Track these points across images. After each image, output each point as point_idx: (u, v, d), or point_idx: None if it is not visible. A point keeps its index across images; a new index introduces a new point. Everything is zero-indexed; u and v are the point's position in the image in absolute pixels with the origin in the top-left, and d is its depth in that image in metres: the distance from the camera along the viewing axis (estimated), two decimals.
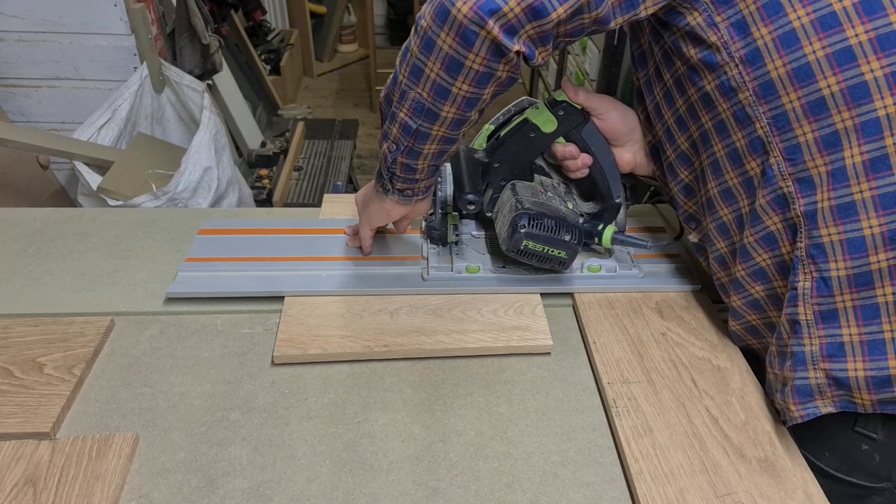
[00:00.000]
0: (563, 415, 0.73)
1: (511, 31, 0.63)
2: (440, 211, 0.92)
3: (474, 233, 0.96)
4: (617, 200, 0.89)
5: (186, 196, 1.65)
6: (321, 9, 3.86)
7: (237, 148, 2.43)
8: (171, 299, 0.85)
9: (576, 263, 0.89)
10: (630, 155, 0.88)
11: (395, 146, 0.74)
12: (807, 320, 0.67)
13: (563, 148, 0.86)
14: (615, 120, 0.85)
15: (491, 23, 0.62)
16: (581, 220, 0.88)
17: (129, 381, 0.75)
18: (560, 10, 0.62)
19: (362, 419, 0.71)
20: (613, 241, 0.88)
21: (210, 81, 2.14)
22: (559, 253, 0.82)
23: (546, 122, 0.84)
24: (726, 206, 0.75)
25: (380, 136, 0.77)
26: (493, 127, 0.91)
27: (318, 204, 1.08)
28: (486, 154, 0.89)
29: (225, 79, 2.34)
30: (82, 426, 0.69)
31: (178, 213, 1.09)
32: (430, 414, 0.72)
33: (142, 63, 1.84)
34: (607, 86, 2.26)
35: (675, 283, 0.91)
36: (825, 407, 0.67)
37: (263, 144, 2.58)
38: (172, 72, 1.88)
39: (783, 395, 0.69)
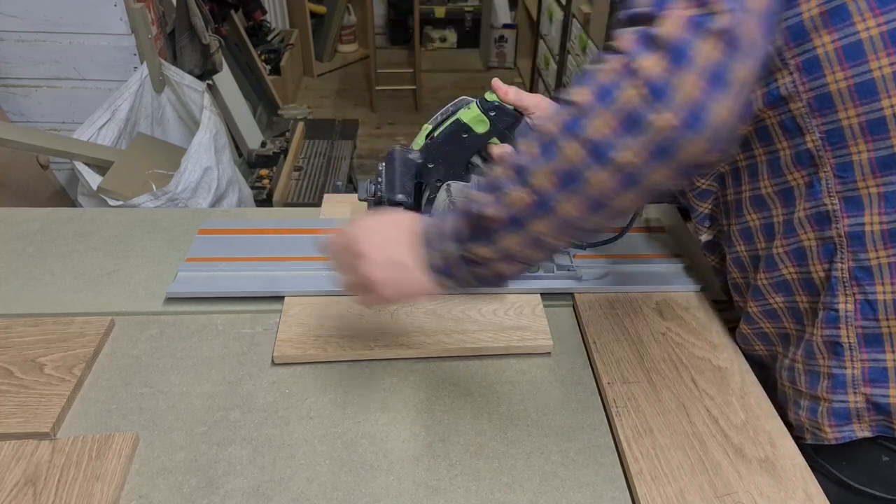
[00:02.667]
0: (563, 415, 0.73)
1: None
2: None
3: None
4: None
5: (186, 196, 1.65)
6: (321, 9, 3.85)
7: (237, 148, 2.43)
8: (170, 299, 0.85)
9: None
10: None
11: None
12: (849, 343, 0.65)
13: (498, 149, 0.85)
14: None
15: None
16: None
17: (129, 381, 0.75)
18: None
19: (362, 419, 0.71)
20: None
21: (210, 81, 2.14)
22: None
23: (478, 122, 0.84)
24: (755, 213, 0.72)
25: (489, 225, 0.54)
26: (430, 127, 0.88)
27: (318, 204, 1.08)
28: (421, 155, 0.88)
29: (225, 79, 2.34)
30: (82, 426, 0.69)
31: (178, 213, 1.09)
32: (430, 414, 0.72)
33: (142, 63, 1.83)
34: None
35: (675, 283, 0.90)
36: (861, 431, 0.66)
37: (263, 144, 2.58)
38: (172, 72, 1.88)
39: (814, 414, 0.68)
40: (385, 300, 0.61)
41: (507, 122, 0.83)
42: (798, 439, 0.71)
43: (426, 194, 0.90)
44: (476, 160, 0.91)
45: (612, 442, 0.70)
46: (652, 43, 0.46)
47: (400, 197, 0.83)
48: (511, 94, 0.82)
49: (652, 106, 0.45)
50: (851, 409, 0.65)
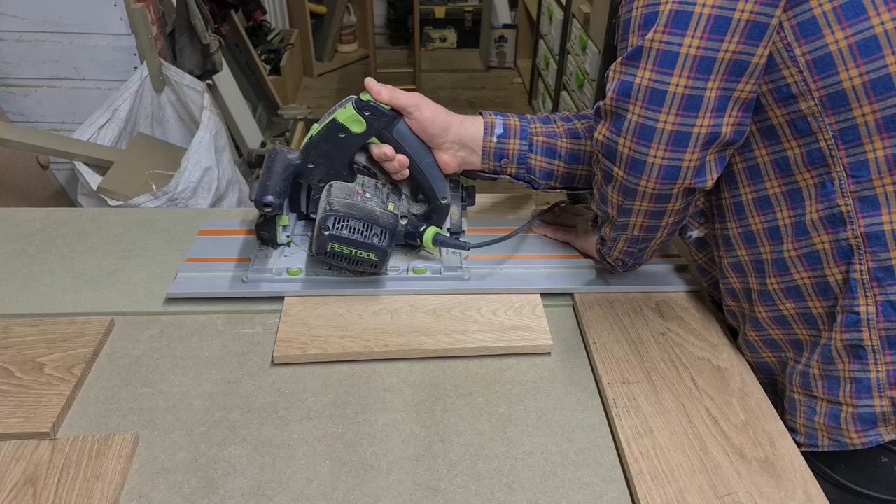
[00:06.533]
0: (563, 415, 0.73)
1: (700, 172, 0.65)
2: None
3: (310, 234, 0.93)
4: (443, 201, 0.87)
5: (186, 196, 1.65)
6: (321, 9, 3.86)
7: (237, 148, 2.44)
8: (170, 299, 0.85)
9: (403, 265, 0.89)
10: (448, 156, 0.85)
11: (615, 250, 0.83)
12: (872, 346, 0.63)
13: (377, 149, 0.83)
14: (426, 119, 0.81)
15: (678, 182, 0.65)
16: (404, 222, 0.87)
17: (129, 381, 0.75)
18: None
19: (362, 419, 0.71)
20: (434, 242, 0.87)
21: (210, 81, 2.14)
22: (368, 255, 0.81)
23: (353, 122, 0.82)
24: (759, 215, 0.71)
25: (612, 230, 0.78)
26: (318, 126, 0.86)
27: None
28: (301, 155, 0.85)
29: (225, 79, 2.34)
30: (82, 426, 0.69)
31: (178, 213, 1.09)
32: (430, 414, 0.72)
33: (142, 63, 1.84)
34: None
35: (675, 283, 0.91)
36: (888, 434, 0.65)
37: (263, 144, 2.59)
38: (172, 72, 1.88)
39: (835, 420, 0.67)
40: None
41: (383, 122, 0.82)
42: (805, 445, 0.70)
43: (312, 195, 0.89)
44: (361, 159, 0.88)
45: (612, 442, 0.70)
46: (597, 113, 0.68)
47: (269, 198, 0.80)
48: (384, 93, 0.80)
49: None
50: (878, 413, 0.65)
